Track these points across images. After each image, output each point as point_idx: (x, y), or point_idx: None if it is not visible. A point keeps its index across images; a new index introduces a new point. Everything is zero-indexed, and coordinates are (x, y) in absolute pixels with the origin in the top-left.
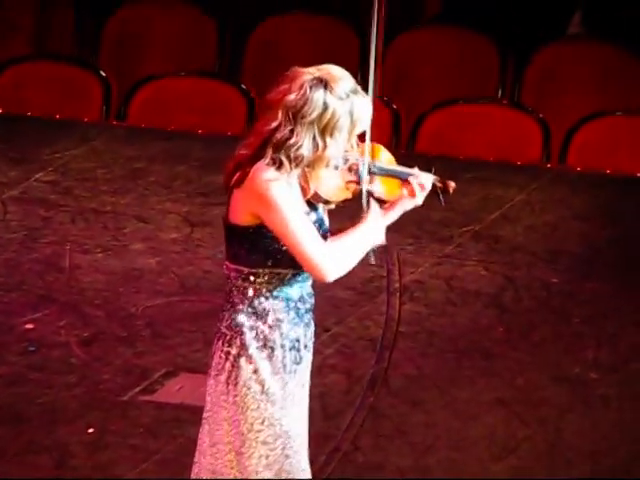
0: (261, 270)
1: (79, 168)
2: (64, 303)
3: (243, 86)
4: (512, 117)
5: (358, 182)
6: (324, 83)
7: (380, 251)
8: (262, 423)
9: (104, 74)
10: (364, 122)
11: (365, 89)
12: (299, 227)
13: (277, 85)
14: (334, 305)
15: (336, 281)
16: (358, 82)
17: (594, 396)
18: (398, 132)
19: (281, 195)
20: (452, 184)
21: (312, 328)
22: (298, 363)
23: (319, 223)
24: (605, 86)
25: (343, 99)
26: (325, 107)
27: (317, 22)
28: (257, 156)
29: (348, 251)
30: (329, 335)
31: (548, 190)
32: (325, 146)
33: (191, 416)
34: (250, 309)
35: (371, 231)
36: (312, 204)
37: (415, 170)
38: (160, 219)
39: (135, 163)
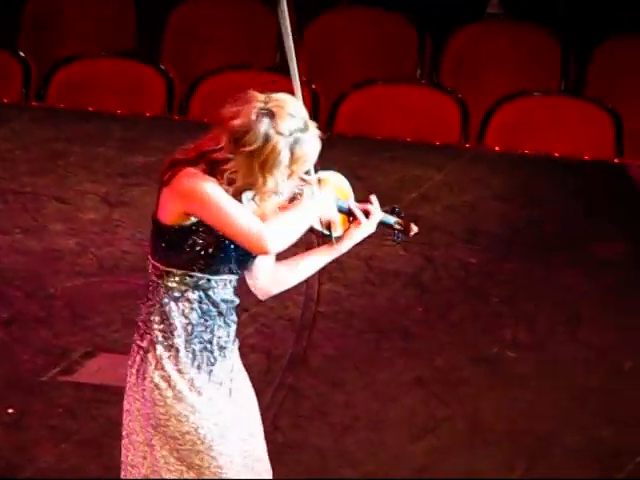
0: (175, 270)
1: None
2: None
3: (162, 66)
4: (430, 97)
5: None
6: (272, 116)
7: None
8: (169, 419)
9: (23, 55)
10: (309, 160)
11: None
12: (231, 208)
13: (230, 104)
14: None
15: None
16: (277, 56)
17: (512, 375)
18: (317, 113)
19: (208, 186)
20: (414, 228)
21: (231, 329)
22: (212, 364)
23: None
24: (523, 66)
25: (285, 136)
26: (265, 140)
27: (238, 3)
28: (190, 163)
29: (286, 221)
30: (248, 315)
31: (467, 170)
32: (264, 181)
33: (110, 396)
34: (160, 308)
35: (311, 204)
36: None
37: (372, 206)
38: (79, 200)
39: (54, 144)
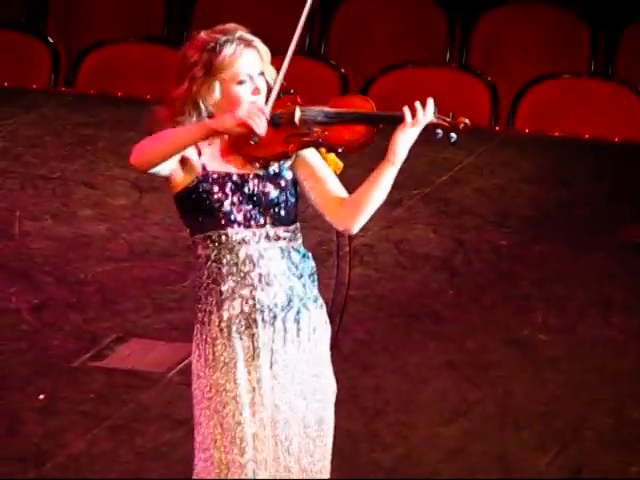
0: (197, 236)
1: (28, 135)
2: (14, 270)
3: None
4: (460, 80)
5: (304, 134)
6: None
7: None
8: (209, 390)
9: (52, 41)
10: (231, 66)
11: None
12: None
13: None
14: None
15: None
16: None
17: (543, 358)
18: None
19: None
20: (464, 119)
21: (278, 293)
22: (251, 325)
23: (257, 196)
24: (552, 49)
25: (206, 49)
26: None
27: None
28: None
29: (157, 135)
30: None
31: (496, 153)
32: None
33: (141, 382)
34: (200, 274)
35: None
36: (245, 178)
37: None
38: (109, 185)
39: (83, 130)
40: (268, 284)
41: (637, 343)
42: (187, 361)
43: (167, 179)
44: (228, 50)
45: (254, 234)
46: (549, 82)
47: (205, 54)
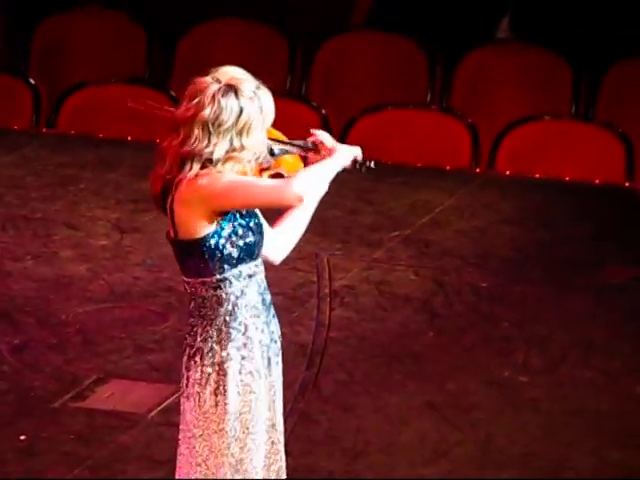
0: (228, 274)
1: (9, 175)
2: None
3: (172, 93)
4: (441, 122)
5: (267, 167)
6: (233, 89)
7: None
8: (255, 426)
9: (33, 82)
10: (272, 114)
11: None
12: (248, 180)
13: (185, 100)
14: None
15: (267, 285)
16: (287, 80)
17: (524, 399)
18: None
19: (216, 177)
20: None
21: (276, 319)
22: (277, 354)
23: (255, 220)
24: (534, 91)
25: (252, 98)
26: (240, 111)
27: (246, 27)
28: (178, 174)
29: (309, 171)
30: None
31: (477, 195)
32: (242, 147)
33: (122, 422)
34: (226, 314)
35: (335, 158)
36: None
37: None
38: (90, 226)
39: (65, 170)
40: (274, 315)
41: (618, 384)
42: (168, 402)
43: (192, 224)
44: (271, 98)
45: (261, 263)
46: (530, 124)
47: (253, 103)
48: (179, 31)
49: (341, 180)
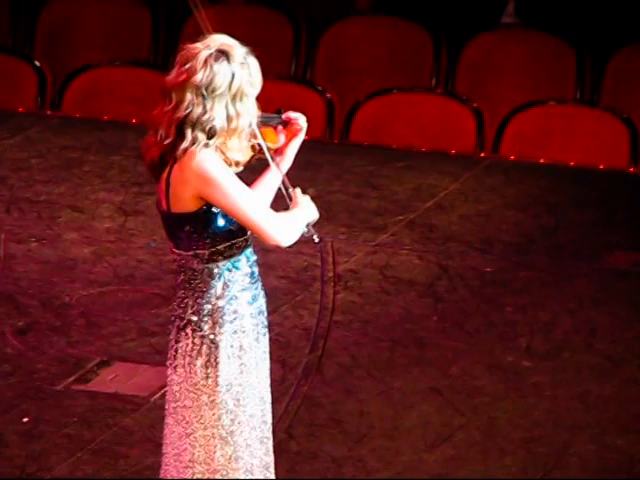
0: (220, 247)
1: (13, 158)
2: None
3: None
4: (446, 106)
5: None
6: (225, 54)
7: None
8: (246, 398)
9: (38, 64)
10: (260, 81)
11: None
12: (244, 199)
13: (176, 67)
14: (268, 294)
15: (270, 270)
16: (292, 65)
17: (527, 384)
18: (332, 122)
19: (218, 172)
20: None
21: (264, 291)
22: (265, 326)
23: None
24: (538, 75)
25: (243, 64)
26: (232, 76)
27: (251, 11)
28: (178, 142)
29: (291, 220)
30: None
31: (482, 179)
32: (238, 113)
33: (125, 405)
34: (217, 287)
35: (303, 207)
36: None
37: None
38: (94, 208)
39: (69, 153)
40: (262, 287)
41: (621, 369)
42: None
43: (187, 199)
44: (257, 64)
45: (250, 235)
46: (535, 109)
47: (244, 68)
48: (184, 14)
49: (346, 165)
